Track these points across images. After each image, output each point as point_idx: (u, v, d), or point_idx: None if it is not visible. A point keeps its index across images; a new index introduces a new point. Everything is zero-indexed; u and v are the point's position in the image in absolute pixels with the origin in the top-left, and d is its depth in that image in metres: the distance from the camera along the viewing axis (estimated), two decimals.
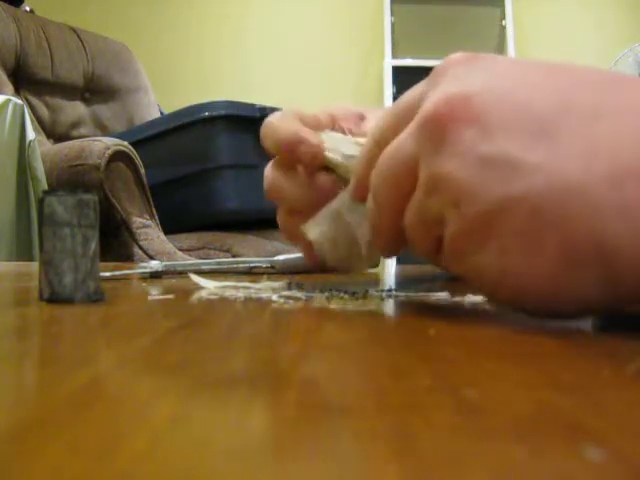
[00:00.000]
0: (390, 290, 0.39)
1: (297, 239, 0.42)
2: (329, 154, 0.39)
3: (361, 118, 0.43)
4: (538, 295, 0.24)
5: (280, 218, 0.43)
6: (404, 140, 0.27)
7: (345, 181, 0.38)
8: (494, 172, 0.23)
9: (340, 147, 0.39)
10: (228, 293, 0.36)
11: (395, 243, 0.31)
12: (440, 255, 0.27)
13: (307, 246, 0.39)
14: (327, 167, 0.40)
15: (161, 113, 2.38)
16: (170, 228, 1.70)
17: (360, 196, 0.33)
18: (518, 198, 0.23)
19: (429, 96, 0.26)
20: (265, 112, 1.67)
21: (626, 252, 0.22)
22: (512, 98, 0.25)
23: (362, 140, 0.38)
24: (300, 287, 0.39)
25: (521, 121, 0.24)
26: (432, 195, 0.26)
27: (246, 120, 1.67)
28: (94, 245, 0.33)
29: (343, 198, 0.37)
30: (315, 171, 0.40)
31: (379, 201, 0.29)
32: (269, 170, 0.42)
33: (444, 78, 0.27)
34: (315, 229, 0.38)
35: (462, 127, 0.24)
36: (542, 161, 0.23)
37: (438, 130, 0.25)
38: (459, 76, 0.26)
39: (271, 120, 0.42)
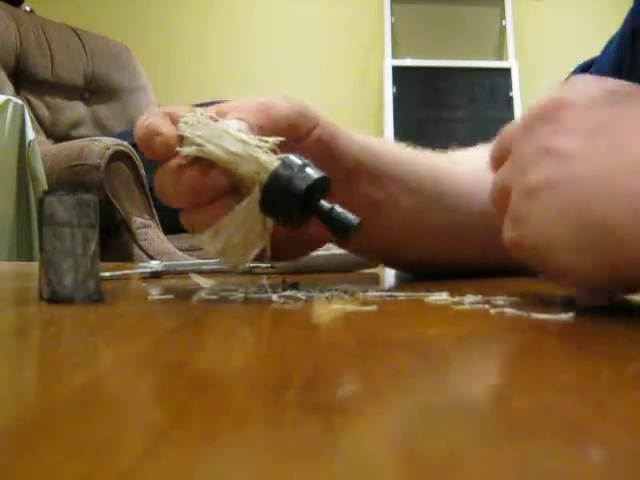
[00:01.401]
0: (390, 290, 0.39)
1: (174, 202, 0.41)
2: (206, 148, 0.37)
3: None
4: (558, 267, 0.29)
5: (181, 216, 0.41)
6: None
7: (231, 177, 0.37)
8: (548, 157, 0.30)
9: (224, 143, 0.37)
10: (228, 293, 0.36)
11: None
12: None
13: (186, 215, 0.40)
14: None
15: None
16: (170, 228, 1.70)
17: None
18: (557, 179, 0.29)
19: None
20: None
21: (631, 240, 0.25)
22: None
23: (251, 139, 0.37)
24: (295, 287, 0.39)
25: (581, 124, 0.30)
26: (508, 169, 0.33)
27: None
28: (94, 245, 0.33)
29: (248, 208, 0.37)
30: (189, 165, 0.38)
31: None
32: (157, 173, 0.40)
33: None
34: (214, 241, 0.38)
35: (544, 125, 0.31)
36: (578, 153, 0.29)
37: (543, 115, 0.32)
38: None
39: (138, 121, 0.40)
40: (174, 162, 0.38)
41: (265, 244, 0.37)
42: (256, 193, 0.36)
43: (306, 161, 0.36)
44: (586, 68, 0.64)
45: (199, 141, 0.37)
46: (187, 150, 0.38)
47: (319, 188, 0.36)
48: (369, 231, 0.39)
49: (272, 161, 0.36)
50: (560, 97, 0.32)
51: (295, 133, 0.42)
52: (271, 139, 0.37)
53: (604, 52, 0.63)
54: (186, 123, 0.39)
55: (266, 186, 0.36)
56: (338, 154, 0.45)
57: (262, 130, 0.39)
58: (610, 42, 0.63)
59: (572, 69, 0.68)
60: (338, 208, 0.36)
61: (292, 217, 0.36)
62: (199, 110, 0.40)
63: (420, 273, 0.54)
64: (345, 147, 0.45)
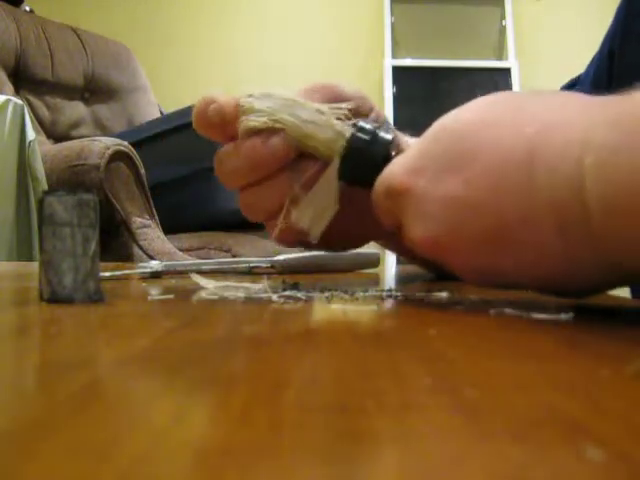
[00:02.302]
0: (390, 290, 0.39)
1: (259, 215, 0.41)
2: (256, 105, 0.37)
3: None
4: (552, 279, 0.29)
5: (241, 200, 0.41)
6: None
7: (300, 145, 0.37)
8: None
9: (296, 111, 0.37)
10: (228, 293, 0.36)
11: None
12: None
13: (282, 227, 0.39)
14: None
15: (161, 113, 2.38)
16: (170, 228, 1.70)
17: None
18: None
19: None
20: None
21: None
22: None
23: (324, 107, 0.37)
24: (295, 287, 0.39)
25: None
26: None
27: None
28: (94, 245, 0.33)
29: (328, 176, 0.36)
30: (246, 136, 0.38)
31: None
32: (217, 152, 0.40)
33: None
34: (305, 215, 0.37)
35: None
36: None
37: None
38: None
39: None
40: (239, 143, 0.38)
41: (336, 209, 0.37)
42: (335, 161, 0.36)
43: (375, 124, 0.37)
44: (570, 86, 0.65)
45: (269, 111, 0.37)
46: (257, 120, 0.37)
47: (392, 146, 0.36)
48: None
49: (347, 128, 0.36)
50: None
51: (356, 113, 0.42)
52: (343, 104, 0.37)
53: (586, 72, 0.64)
54: (251, 96, 0.38)
55: (347, 153, 0.36)
56: None
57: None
58: (590, 62, 0.64)
59: (570, 70, 0.68)
60: None
61: (373, 181, 0.35)
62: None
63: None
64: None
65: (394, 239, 0.50)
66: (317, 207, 0.37)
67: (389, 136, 0.36)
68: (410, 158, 0.33)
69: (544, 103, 0.30)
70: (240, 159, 0.38)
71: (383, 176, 0.34)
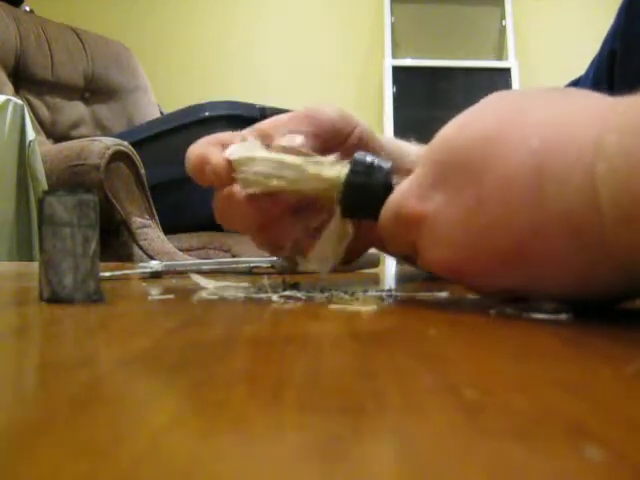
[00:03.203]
0: (390, 290, 0.39)
1: (269, 249, 0.44)
2: (240, 175, 0.38)
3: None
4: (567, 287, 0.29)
5: (254, 239, 0.44)
6: None
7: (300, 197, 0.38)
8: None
9: (284, 172, 0.37)
10: (228, 293, 0.36)
11: None
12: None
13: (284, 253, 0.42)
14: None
15: (161, 113, 2.38)
16: (170, 228, 1.70)
17: None
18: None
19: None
20: (265, 112, 1.67)
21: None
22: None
23: (304, 160, 0.37)
24: (295, 287, 0.39)
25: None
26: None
27: (246, 120, 1.66)
28: (94, 245, 0.33)
29: (335, 221, 0.37)
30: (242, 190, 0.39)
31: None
32: (215, 201, 0.42)
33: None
34: (315, 260, 0.38)
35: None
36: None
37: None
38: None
39: (189, 150, 0.42)
40: (238, 193, 0.39)
41: (349, 242, 0.38)
42: (336, 208, 0.37)
43: (372, 157, 0.37)
44: (572, 86, 0.65)
45: (259, 179, 0.38)
46: (251, 190, 0.38)
47: (391, 174, 0.37)
48: None
49: (339, 171, 0.36)
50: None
51: (340, 135, 0.44)
52: (331, 156, 0.37)
53: (586, 74, 0.64)
54: (235, 156, 0.39)
55: (346, 191, 0.36)
56: (377, 150, 0.46)
57: (312, 136, 0.41)
58: (590, 64, 0.63)
59: (570, 70, 0.69)
60: None
61: (377, 211, 0.35)
62: (244, 134, 0.41)
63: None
64: (382, 143, 0.47)
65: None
66: (326, 251, 0.38)
67: (388, 164, 0.36)
68: (417, 183, 0.32)
69: (550, 107, 0.29)
70: (249, 214, 0.40)
71: (390, 204, 0.34)
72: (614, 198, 0.25)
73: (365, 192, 0.36)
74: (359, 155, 0.36)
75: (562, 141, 0.27)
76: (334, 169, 0.36)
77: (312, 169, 0.37)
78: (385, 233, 0.34)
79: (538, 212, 0.27)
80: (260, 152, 0.38)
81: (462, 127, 0.31)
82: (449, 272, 0.31)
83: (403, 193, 0.33)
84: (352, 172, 0.36)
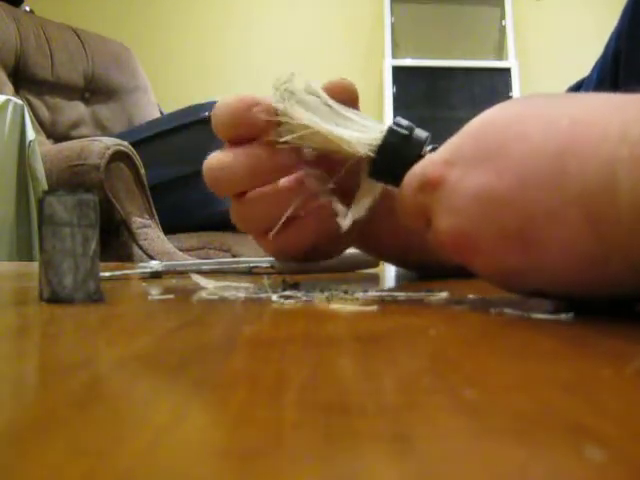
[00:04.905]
0: (390, 290, 0.39)
1: (251, 228, 0.43)
2: (284, 118, 0.37)
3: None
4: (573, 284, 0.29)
5: (234, 209, 0.43)
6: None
7: (324, 148, 0.37)
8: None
9: (333, 118, 0.38)
10: (228, 293, 0.36)
11: None
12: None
13: (268, 240, 0.41)
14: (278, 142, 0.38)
15: (161, 113, 2.38)
16: (170, 228, 1.70)
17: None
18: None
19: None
20: None
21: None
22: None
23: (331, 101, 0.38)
24: (295, 287, 0.39)
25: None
26: None
27: None
28: (94, 245, 0.33)
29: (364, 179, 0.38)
30: (267, 143, 0.39)
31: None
32: (213, 156, 0.41)
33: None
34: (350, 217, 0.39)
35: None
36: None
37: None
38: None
39: (221, 100, 0.41)
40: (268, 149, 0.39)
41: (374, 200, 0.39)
42: (364, 167, 0.37)
43: (409, 123, 0.37)
44: (575, 89, 0.65)
45: (305, 123, 0.37)
46: (288, 137, 0.37)
47: (426, 144, 0.37)
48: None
49: (382, 126, 0.37)
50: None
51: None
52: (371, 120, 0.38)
53: (589, 76, 0.64)
54: (286, 91, 0.38)
55: (383, 147, 0.36)
56: None
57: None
58: (594, 66, 0.63)
59: (570, 70, 0.69)
60: None
61: (401, 177, 0.35)
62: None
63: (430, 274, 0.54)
64: None
65: (369, 241, 0.51)
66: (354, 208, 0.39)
67: (424, 134, 0.37)
68: (447, 150, 0.33)
69: (580, 100, 0.30)
70: (241, 165, 0.39)
71: (416, 169, 0.34)
72: (631, 184, 0.24)
73: (400, 152, 0.36)
74: (400, 119, 0.37)
75: (589, 123, 0.27)
76: (375, 129, 0.37)
77: (357, 118, 0.37)
78: (403, 197, 0.34)
79: (557, 194, 0.27)
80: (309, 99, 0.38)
81: (502, 108, 0.32)
82: (456, 245, 0.31)
83: (429, 160, 0.33)
84: (390, 131, 0.36)
